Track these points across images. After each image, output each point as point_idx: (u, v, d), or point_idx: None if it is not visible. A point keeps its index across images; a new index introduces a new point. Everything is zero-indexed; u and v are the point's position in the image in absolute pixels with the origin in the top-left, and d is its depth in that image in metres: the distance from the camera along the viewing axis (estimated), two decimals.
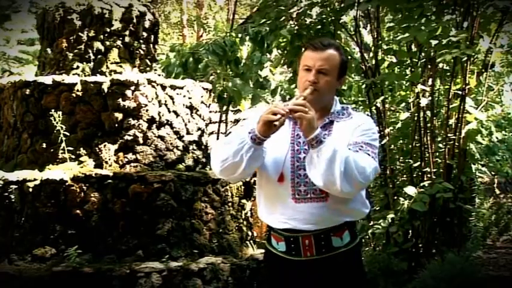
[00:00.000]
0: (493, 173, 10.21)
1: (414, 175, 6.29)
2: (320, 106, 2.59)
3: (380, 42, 6.48)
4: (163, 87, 5.72)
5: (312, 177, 2.47)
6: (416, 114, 6.08)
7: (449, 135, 5.88)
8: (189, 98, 5.96)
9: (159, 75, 6.28)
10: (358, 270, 2.71)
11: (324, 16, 6.33)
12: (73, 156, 5.42)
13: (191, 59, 6.43)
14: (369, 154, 2.51)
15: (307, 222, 2.54)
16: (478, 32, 5.82)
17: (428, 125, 6.04)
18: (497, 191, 11.53)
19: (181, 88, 5.90)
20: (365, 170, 2.44)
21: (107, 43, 6.08)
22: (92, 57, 6.04)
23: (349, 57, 6.78)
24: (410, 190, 5.63)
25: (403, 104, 6.88)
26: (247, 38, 6.49)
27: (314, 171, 2.45)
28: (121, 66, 6.09)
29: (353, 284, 2.64)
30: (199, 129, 6.07)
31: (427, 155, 5.94)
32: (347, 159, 2.41)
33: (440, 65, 6.09)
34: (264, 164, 2.61)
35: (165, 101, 5.72)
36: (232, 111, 9.00)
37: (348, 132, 2.58)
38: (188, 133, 5.93)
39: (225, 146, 2.55)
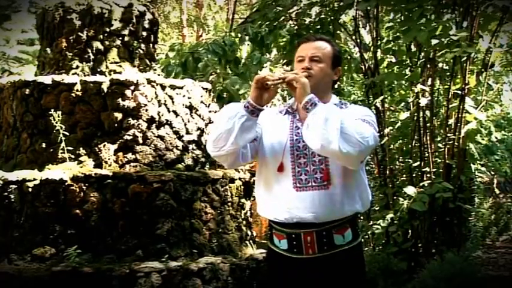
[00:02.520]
0: (492, 172, 10.22)
1: (414, 175, 6.29)
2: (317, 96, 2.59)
3: (379, 42, 6.48)
4: (163, 87, 5.72)
5: (308, 141, 2.47)
6: (415, 114, 6.08)
7: (448, 135, 5.88)
8: (189, 98, 5.96)
9: (159, 75, 6.29)
10: (359, 269, 2.71)
11: (323, 16, 6.34)
12: (72, 156, 5.42)
13: (190, 58, 6.44)
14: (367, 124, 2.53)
15: (308, 211, 2.54)
16: (478, 31, 5.82)
17: (428, 124, 6.04)
18: (497, 191, 11.53)
19: (181, 88, 5.90)
20: (363, 131, 2.43)
21: (107, 43, 6.08)
22: (92, 57, 6.04)
23: (349, 57, 6.80)
24: (410, 190, 5.63)
25: (403, 104, 6.89)
26: (247, 38, 6.49)
27: (310, 134, 2.44)
28: (120, 66, 6.09)
29: (353, 283, 2.65)
30: (198, 129, 6.07)
31: (427, 154, 5.95)
32: (343, 120, 2.41)
33: (440, 64, 6.09)
34: (264, 156, 2.64)
35: (165, 101, 5.72)
36: None
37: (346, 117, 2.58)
38: (188, 133, 5.93)
39: (219, 116, 2.60)
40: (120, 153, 5.52)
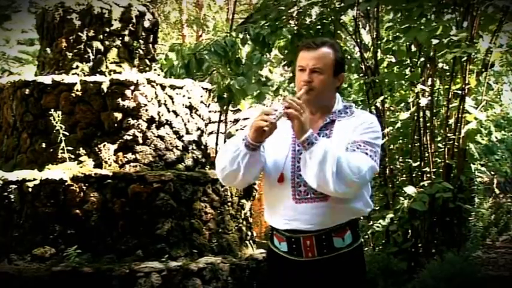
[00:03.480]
0: (492, 172, 10.21)
1: (414, 175, 6.29)
2: (319, 105, 2.59)
3: (379, 42, 6.48)
4: (163, 87, 5.72)
5: (306, 178, 2.48)
6: (415, 114, 6.08)
7: (448, 135, 5.88)
8: (189, 98, 5.96)
9: (159, 75, 6.29)
10: (359, 270, 2.69)
11: (323, 16, 6.34)
12: (72, 156, 5.42)
13: (193, 60, 6.43)
14: (366, 153, 2.48)
15: (308, 223, 2.54)
16: (478, 31, 5.82)
17: (428, 124, 6.04)
18: (497, 191, 11.53)
19: (181, 88, 5.89)
20: (359, 169, 2.42)
21: (106, 43, 6.07)
22: (92, 57, 6.04)
23: (349, 57, 6.79)
24: (410, 190, 5.63)
25: (403, 104, 6.89)
26: (249, 37, 6.48)
27: (307, 173, 2.46)
28: (120, 66, 6.09)
29: (354, 284, 2.63)
30: (198, 129, 6.07)
31: (427, 154, 5.95)
32: (339, 160, 2.39)
33: (440, 64, 6.09)
34: (266, 166, 2.62)
35: (165, 101, 5.72)
36: (231, 111, 9.02)
37: (349, 131, 2.56)
38: (188, 133, 5.93)
39: (223, 154, 2.59)
40: (120, 153, 5.52)
